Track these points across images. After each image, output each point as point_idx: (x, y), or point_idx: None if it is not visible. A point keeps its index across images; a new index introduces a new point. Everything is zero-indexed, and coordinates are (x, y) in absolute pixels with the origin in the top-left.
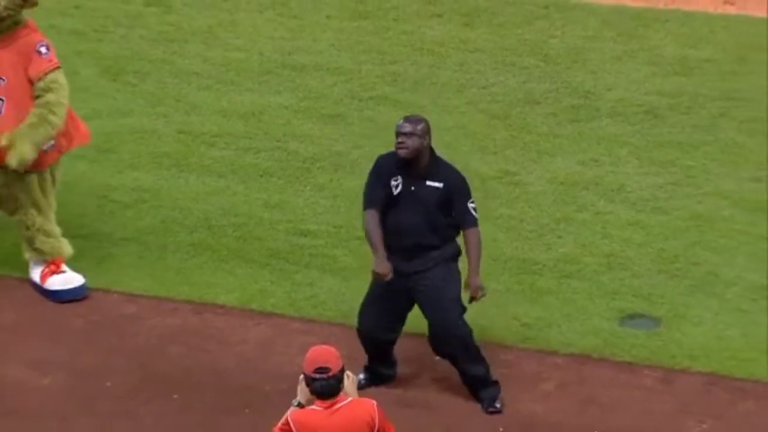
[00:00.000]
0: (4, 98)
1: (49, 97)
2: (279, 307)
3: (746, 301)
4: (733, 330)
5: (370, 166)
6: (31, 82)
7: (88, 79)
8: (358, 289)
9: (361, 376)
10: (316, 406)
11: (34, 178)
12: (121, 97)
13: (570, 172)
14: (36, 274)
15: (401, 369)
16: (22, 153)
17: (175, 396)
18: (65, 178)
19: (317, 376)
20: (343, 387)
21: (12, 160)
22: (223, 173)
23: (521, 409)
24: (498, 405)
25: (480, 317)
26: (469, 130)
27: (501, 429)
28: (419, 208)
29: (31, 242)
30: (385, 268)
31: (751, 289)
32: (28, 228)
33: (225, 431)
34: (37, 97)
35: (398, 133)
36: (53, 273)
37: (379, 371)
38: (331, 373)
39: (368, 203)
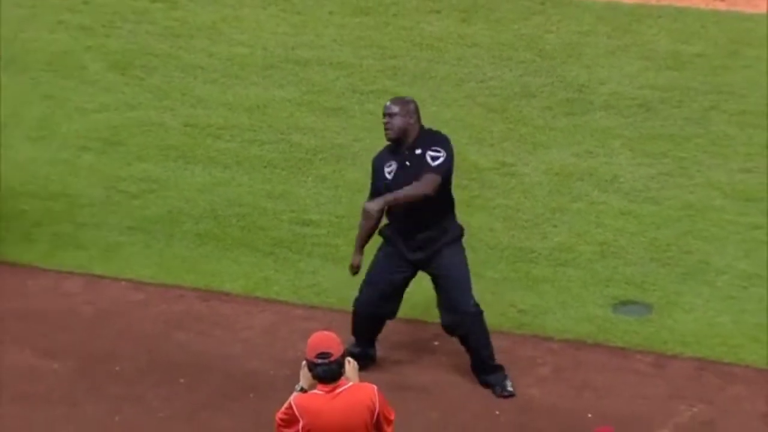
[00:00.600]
0: None
1: None
2: (282, 295)
3: (736, 288)
4: (723, 317)
5: (370, 157)
6: None
7: (97, 73)
8: (358, 277)
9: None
10: (318, 391)
11: None
12: (129, 91)
13: (565, 164)
14: None
15: (400, 354)
16: None
17: (182, 380)
18: (74, 168)
19: (319, 361)
20: (344, 372)
21: None
22: (228, 165)
23: (518, 393)
24: (510, 389)
25: None
26: (467, 123)
27: (497, 412)
28: (417, 176)
29: None
30: (355, 260)
31: (741, 277)
32: None
33: (230, 414)
34: None
35: (384, 114)
36: None
37: (367, 352)
38: (332, 358)
39: (368, 199)
